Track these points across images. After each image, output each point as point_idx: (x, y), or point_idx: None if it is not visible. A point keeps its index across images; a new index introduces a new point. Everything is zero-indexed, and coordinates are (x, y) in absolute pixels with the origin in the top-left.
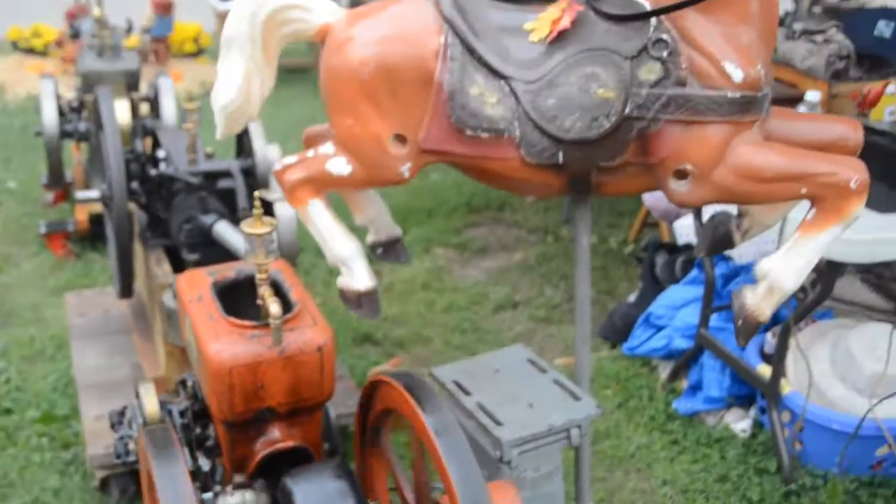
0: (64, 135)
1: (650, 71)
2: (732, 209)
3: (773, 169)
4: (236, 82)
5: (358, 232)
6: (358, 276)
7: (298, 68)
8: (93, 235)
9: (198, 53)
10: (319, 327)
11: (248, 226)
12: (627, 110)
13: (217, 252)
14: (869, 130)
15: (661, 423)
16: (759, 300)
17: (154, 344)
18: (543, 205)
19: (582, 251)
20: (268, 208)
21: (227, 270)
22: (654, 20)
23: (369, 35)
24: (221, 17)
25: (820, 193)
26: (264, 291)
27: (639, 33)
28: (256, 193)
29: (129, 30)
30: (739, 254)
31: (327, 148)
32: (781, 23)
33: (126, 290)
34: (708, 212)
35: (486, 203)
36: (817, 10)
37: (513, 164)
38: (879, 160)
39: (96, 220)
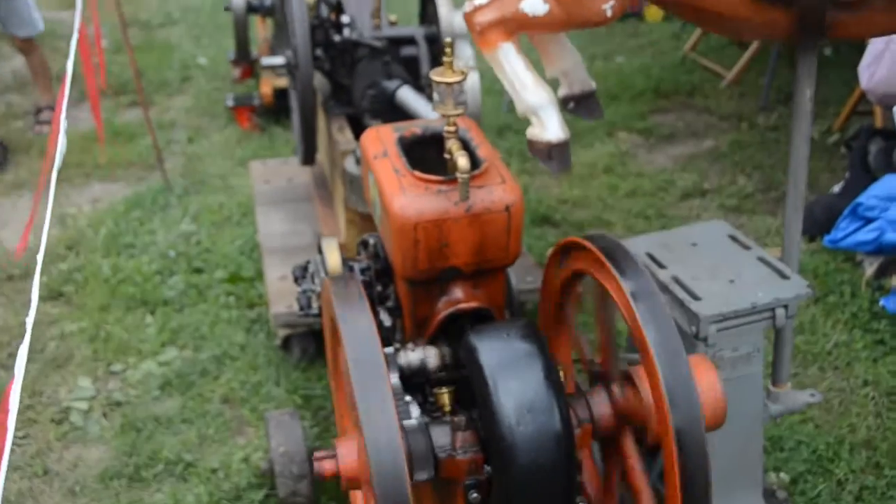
0: (251, 9)
1: None
2: None
3: None
4: None
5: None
6: (550, 126)
7: None
8: (276, 109)
9: None
10: (508, 186)
11: (437, 74)
12: None
13: (399, 118)
14: None
15: (864, 321)
16: None
17: (335, 211)
18: (738, 90)
19: (803, 106)
20: None
21: (414, 127)
22: None
23: None
24: None
25: None
26: (452, 145)
27: None
28: (448, 40)
29: None
30: None
31: None
32: None
33: (309, 157)
34: None
35: (674, 88)
36: None
37: (735, 0)
38: None
39: (280, 95)
